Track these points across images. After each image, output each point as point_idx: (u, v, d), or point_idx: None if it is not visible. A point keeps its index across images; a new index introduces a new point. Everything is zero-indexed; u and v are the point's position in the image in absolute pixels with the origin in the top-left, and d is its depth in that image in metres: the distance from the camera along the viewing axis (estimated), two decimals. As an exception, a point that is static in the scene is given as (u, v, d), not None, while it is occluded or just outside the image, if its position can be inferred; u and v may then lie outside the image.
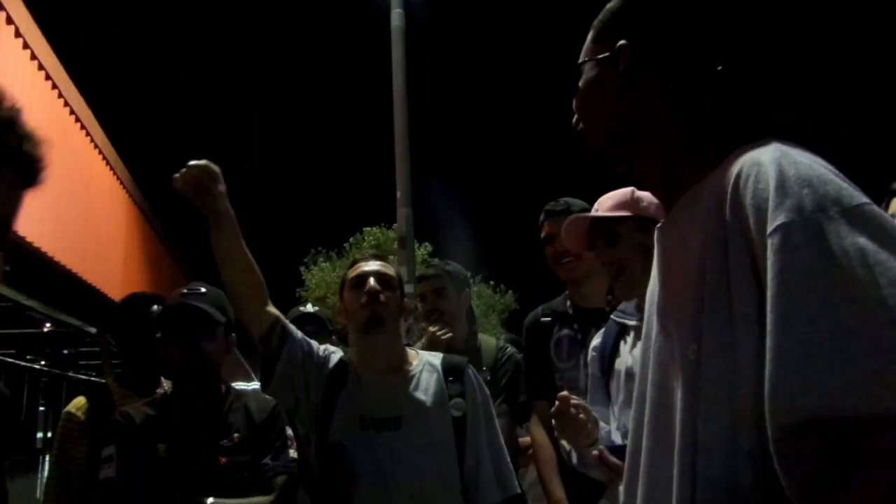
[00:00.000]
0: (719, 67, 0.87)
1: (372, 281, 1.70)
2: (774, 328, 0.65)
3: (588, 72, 0.93)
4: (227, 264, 1.60)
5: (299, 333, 1.71)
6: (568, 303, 2.23)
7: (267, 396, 2.00)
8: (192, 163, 1.53)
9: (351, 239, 19.77)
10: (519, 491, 1.75)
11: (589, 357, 1.76)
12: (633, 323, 1.63)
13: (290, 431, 1.82)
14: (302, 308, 2.87)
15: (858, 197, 0.68)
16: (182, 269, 11.48)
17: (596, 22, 0.96)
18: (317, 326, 2.71)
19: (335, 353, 1.76)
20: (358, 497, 1.58)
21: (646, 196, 1.65)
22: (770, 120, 0.94)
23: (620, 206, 1.62)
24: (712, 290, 0.75)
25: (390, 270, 1.79)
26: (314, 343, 1.73)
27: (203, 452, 1.63)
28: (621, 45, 0.88)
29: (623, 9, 0.92)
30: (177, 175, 1.52)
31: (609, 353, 1.66)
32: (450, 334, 2.33)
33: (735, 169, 0.76)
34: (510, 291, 19.43)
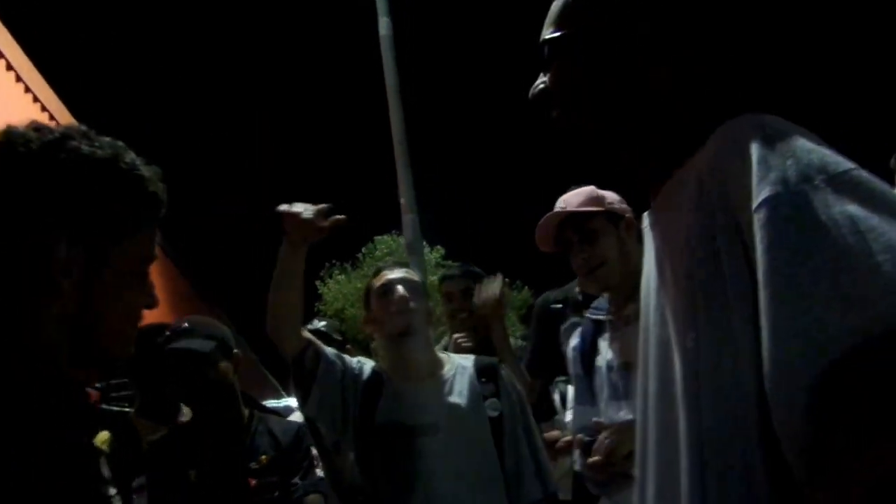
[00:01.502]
0: (720, 50, 0.84)
1: (401, 289, 1.71)
2: (768, 306, 0.62)
3: (567, 51, 0.85)
4: (284, 283, 1.65)
5: (331, 351, 1.74)
6: (577, 290, 2.24)
7: (290, 419, 2.04)
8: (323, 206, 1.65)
9: (363, 249, 19.86)
10: (556, 488, 1.76)
11: (570, 357, 1.75)
12: (606, 318, 1.64)
13: (314, 451, 1.85)
14: (310, 326, 2.90)
15: (844, 163, 0.65)
16: (191, 283, 11.42)
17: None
18: (324, 342, 2.74)
19: (367, 364, 1.78)
20: None
21: (608, 193, 1.68)
22: (752, 100, 0.91)
23: (589, 202, 1.63)
24: (704, 273, 0.72)
25: (416, 277, 1.82)
26: (346, 357, 1.76)
27: (232, 476, 1.66)
28: (612, 14, 0.82)
29: None
30: (317, 211, 1.62)
31: (588, 351, 1.66)
32: (470, 343, 2.35)
33: (716, 144, 0.74)
34: (525, 287, 19.41)
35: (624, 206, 1.68)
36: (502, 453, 1.65)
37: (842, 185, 0.63)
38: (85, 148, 0.78)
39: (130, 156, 0.82)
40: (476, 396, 1.69)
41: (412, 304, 1.70)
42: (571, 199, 1.66)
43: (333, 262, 19.72)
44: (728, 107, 0.82)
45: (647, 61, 0.81)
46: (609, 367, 1.57)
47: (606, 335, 1.62)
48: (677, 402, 0.76)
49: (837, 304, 0.58)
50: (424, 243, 7.98)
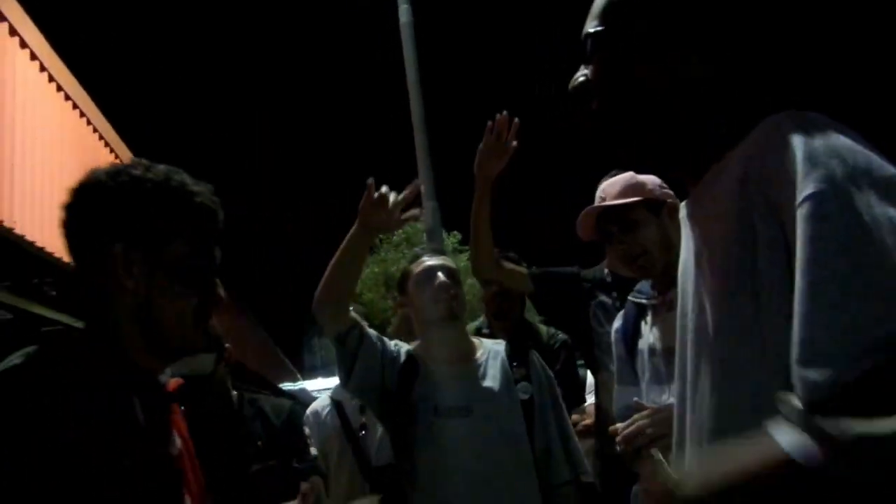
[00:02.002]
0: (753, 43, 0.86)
1: (441, 275, 1.77)
2: (804, 295, 0.64)
3: (611, 47, 0.87)
4: (346, 263, 1.73)
5: (373, 333, 1.80)
6: (606, 271, 2.28)
7: (281, 400, 2.08)
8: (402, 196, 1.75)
9: (380, 234, 19.88)
10: (590, 470, 1.82)
11: (613, 339, 1.78)
12: (649, 302, 1.65)
13: (307, 430, 1.90)
14: None
15: (888, 168, 0.67)
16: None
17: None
18: None
19: (403, 347, 1.83)
20: (437, 485, 1.64)
21: (647, 178, 1.68)
22: (793, 95, 0.92)
23: (628, 191, 1.64)
24: (739, 262, 0.74)
25: (453, 265, 1.87)
26: (385, 339, 1.82)
27: (236, 467, 1.68)
28: (657, 12, 0.85)
29: None
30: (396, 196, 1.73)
31: (631, 333, 1.69)
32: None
33: (759, 139, 0.76)
34: (533, 267, 19.30)
35: (666, 190, 1.68)
36: (532, 436, 1.71)
37: (886, 188, 0.66)
38: (138, 173, 0.95)
39: (181, 177, 0.98)
40: (508, 380, 1.75)
41: (452, 291, 1.75)
42: (610, 189, 1.66)
43: (351, 247, 19.78)
44: (769, 102, 0.85)
45: (688, 55, 0.84)
46: (651, 351, 1.60)
47: (648, 319, 1.65)
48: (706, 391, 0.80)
49: (875, 298, 0.61)
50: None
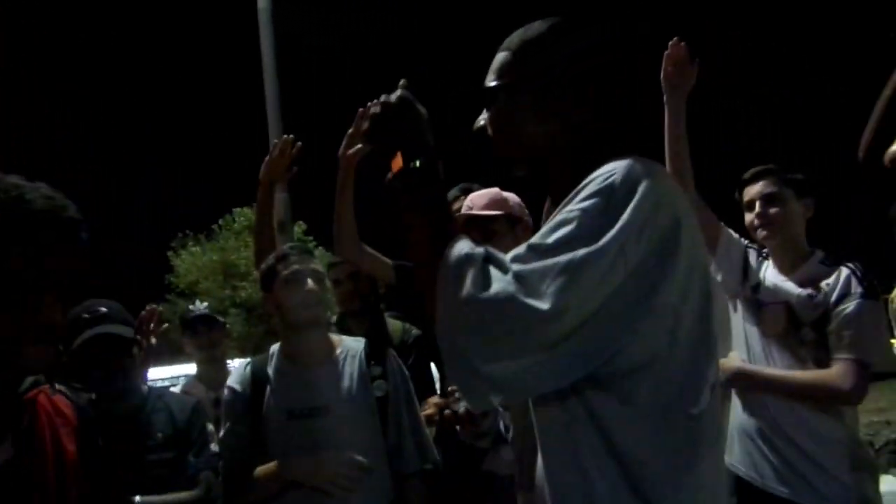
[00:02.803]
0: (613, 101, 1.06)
1: (311, 282, 1.78)
2: None
3: (507, 98, 1.04)
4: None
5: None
6: None
7: (187, 396, 2.06)
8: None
9: (220, 220, 18.96)
10: (438, 459, 1.91)
11: None
12: None
13: (210, 426, 1.90)
14: (193, 307, 2.87)
15: (636, 229, 0.85)
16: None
17: (517, 44, 1.05)
18: (210, 324, 2.78)
19: (247, 369, 1.85)
20: (291, 485, 1.69)
21: (510, 196, 1.89)
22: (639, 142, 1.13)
23: (494, 204, 1.82)
24: None
25: (321, 267, 1.89)
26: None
27: (131, 455, 1.69)
28: (547, 70, 1.01)
29: (551, 37, 1.04)
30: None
31: None
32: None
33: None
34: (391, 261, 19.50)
35: (523, 209, 1.89)
36: (386, 431, 1.80)
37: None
38: None
39: (12, 179, 0.95)
40: (364, 379, 1.82)
41: (319, 298, 1.80)
42: (477, 201, 1.83)
43: (187, 231, 18.63)
44: (623, 146, 1.02)
45: (569, 111, 1.02)
46: None
47: None
48: None
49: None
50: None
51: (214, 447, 1.82)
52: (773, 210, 1.97)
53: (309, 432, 1.72)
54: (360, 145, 2.13)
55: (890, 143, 1.39)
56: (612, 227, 0.85)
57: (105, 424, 1.66)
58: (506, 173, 1.12)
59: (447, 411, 1.60)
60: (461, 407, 1.56)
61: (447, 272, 0.87)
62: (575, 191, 0.92)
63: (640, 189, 0.87)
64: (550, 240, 0.86)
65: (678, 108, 2.01)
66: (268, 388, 1.78)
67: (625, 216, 0.85)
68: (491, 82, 1.06)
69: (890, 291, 2.30)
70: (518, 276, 0.83)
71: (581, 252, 0.83)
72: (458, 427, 1.61)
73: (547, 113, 1.03)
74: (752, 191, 2.02)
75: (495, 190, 1.86)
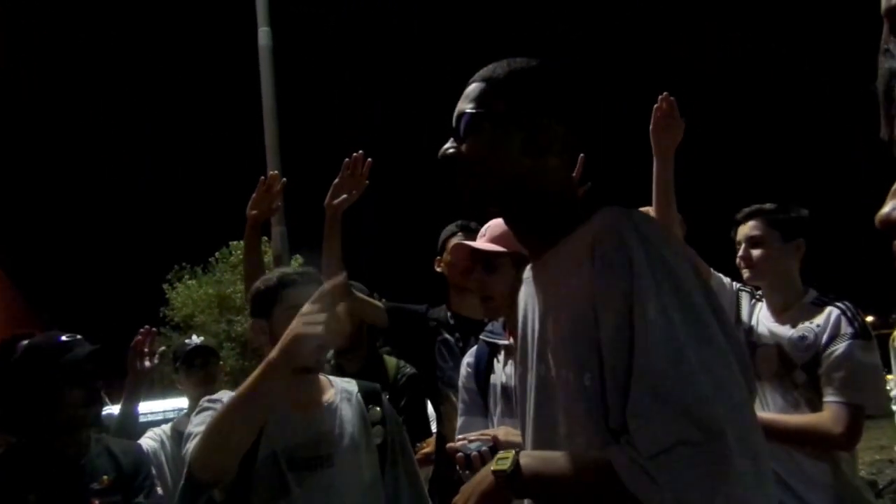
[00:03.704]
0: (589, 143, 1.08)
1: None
2: (635, 377, 0.87)
3: (484, 129, 1.01)
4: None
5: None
6: (448, 313, 2.45)
7: (128, 440, 2.03)
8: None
9: (217, 253, 18.92)
10: None
11: (462, 372, 1.92)
12: (503, 342, 1.82)
13: (153, 470, 1.89)
14: (188, 341, 2.84)
15: (681, 271, 0.92)
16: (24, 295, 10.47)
17: (502, 75, 1.03)
18: (205, 358, 2.73)
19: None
20: None
21: None
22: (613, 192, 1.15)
23: (502, 240, 1.75)
24: (584, 328, 0.93)
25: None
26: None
27: (74, 498, 1.66)
28: (528, 107, 1.00)
29: (522, 75, 1.02)
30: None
31: (483, 369, 1.85)
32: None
33: (603, 226, 0.95)
34: (383, 299, 19.45)
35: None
36: (384, 480, 1.65)
37: (678, 292, 0.91)
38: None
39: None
40: (365, 424, 1.64)
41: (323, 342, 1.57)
42: (492, 230, 1.76)
43: (183, 264, 18.56)
44: (600, 196, 1.06)
45: (545, 151, 1.01)
46: (504, 387, 1.76)
47: (501, 357, 1.81)
48: (556, 430, 0.98)
49: (681, 393, 0.86)
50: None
51: (160, 490, 1.81)
52: (756, 253, 2.00)
53: (310, 486, 1.50)
54: (345, 195, 2.18)
55: None
56: (692, 310, 0.89)
57: (44, 469, 1.66)
58: (471, 210, 1.09)
59: (459, 454, 1.58)
60: (472, 450, 1.56)
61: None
62: (602, 280, 0.92)
63: (667, 253, 0.92)
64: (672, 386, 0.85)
65: (667, 163, 2.05)
66: (261, 434, 1.49)
67: (686, 287, 0.91)
68: (473, 109, 1.03)
69: (891, 326, 2.31)
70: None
71: (704, 382, 0.85)
72: (467, 471, 1.58)
73: (535, 148, 1.01)
74: (740, 232, 2.05)
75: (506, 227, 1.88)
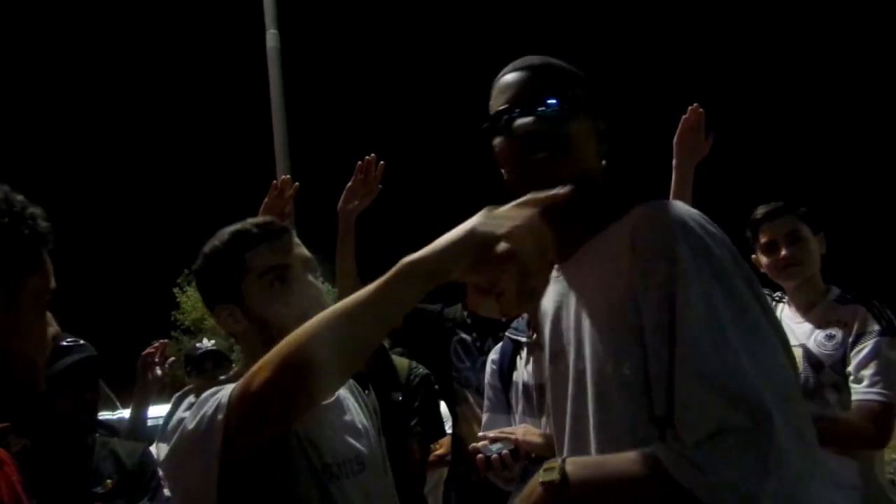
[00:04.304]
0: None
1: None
2: (680, 363, 0.87)
3: (578, 117, 1.02)
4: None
5: None
6: (465, 312, 2.42)
7: (136, 443, 1.99)
8: None
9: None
10: None
11: (488, 369, 1.91)
12: (525, 340, 1.80)
13: (161, 472, 1.84)
14: (199, 345, 2.84)
15: (724, 249, 0.92)
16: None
17: (554, 68, 1.04)
18: (216, 361, 2.72)
19: None
20: None
21: None
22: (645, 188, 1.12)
23: None
24: (627, 317, 0.92)
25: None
26: None
27: (77, 502, 1.65)
28: (595, 99, 1.05)
29: (571, 71, 1.06)
30: None
31: (507, 366, 1.83)
32: None
33: (641, 223, 0.95)
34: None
35: None
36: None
37: (721, 274, 0.90)
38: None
39: (19, 197, 0.88)
40: (374, 420, 1.37)
41: None
42: None
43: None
44: (637, 191, 1.04)
45: (605, 142, 1.06)
46: (525, 385, 1.75)
47: (523, 354, 1.79)
48: (588, 420, 0.98)
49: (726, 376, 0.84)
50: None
51: (167, 492, 1.77)
52: (798, 249, 1.91)
53: (348, 496, 1.16)
54: (357, 200, 2.14)
55: None
56: (736, 297, 0.89)
57: (46, 474, 1.62)
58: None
59: (480, 456, 1.57)
60: (493, 452, 1.54)
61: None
62: (644, 266, 0.92)
63: (710, 241, 0.92)
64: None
65: (686, 175, 2.00)
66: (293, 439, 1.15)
67: (736, 274, 0.91)
68: (564, 95, 1.01)
69: None
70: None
71: (748, 367, 0.84)
72: (488, 473, 1.59)
73: (603, 139, 1.06)
74: (770, 231, 1.95)
75: None
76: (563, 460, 0.92)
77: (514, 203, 0.92)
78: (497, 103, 1.05)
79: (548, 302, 1.13)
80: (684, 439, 0.84)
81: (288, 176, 2.31)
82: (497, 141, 1.05)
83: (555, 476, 0.90)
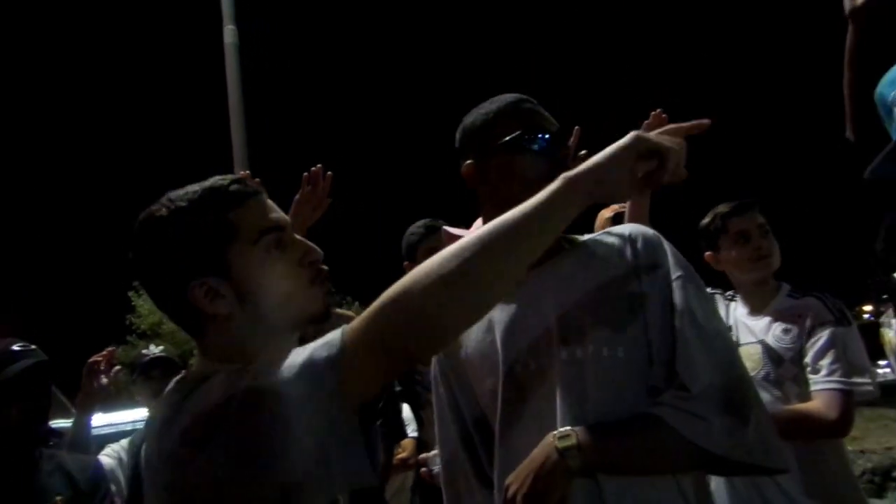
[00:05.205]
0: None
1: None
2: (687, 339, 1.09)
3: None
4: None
5: None
6: None
7: (85, 456, 1.92)
8: None
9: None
10: None
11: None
12: None
13: (113, 487, 1.80)
14: (146, 351, 2.72)
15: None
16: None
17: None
18: (165, 369, 2.58)
19: None
20: None
21: None
22: None
23: None
24: (630, 304, 1.13)
25: None
26: None
27: None
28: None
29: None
30: None
31: None
32: None
33: (622, 231, 1.22)
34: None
35: None
36: None
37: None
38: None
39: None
40: None
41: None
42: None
43: (151, 271, 18.22)
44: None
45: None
46: None
47: None
48: (588, 401, 1.09)
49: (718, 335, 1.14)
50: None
51: None
52: (769, 242, 1.95)
53: None
54: (306, 213, 1.87)
55: (872, 115, 1.35)
56: (703, 287, 1.19)
57: None
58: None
59: (423, 469, 1.54)
60: (436, 468, 1.52)
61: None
62: (644, 254, 1.18)
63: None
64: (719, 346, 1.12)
65: (642, 207, 1.90)
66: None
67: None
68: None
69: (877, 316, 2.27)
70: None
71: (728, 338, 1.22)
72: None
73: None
74: (744, 221, 1.96)
75: None
76: (573, 429, 1.04)
77: (660, 130, 0.99)
78: (534, 122, 1.21)
79: (517, 306, 1.18)
80: (688, 389, 1.03)
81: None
82: (523, 157, 1.19)
83: (573, 441, 1.01)
